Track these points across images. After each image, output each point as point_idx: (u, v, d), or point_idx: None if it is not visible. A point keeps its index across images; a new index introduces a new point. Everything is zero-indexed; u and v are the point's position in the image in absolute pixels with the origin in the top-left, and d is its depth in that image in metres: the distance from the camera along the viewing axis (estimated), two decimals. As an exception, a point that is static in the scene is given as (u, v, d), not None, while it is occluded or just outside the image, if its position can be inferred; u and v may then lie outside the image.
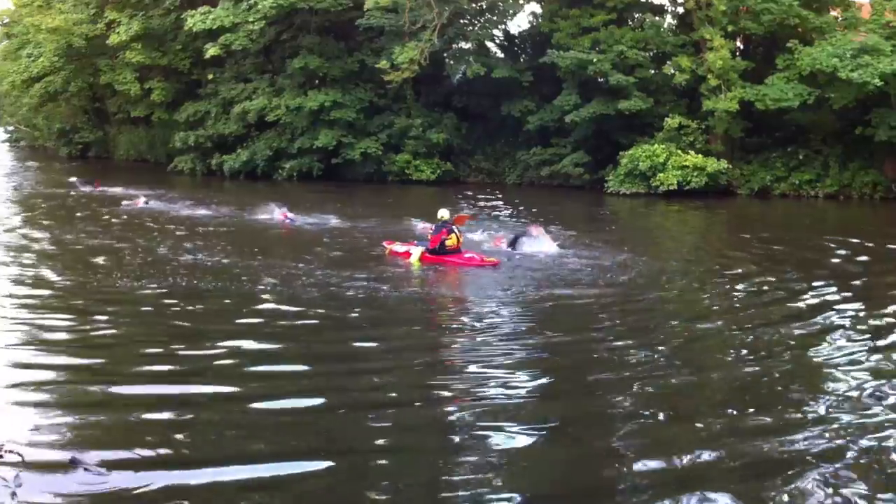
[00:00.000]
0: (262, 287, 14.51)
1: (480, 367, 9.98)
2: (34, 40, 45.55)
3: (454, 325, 12.65)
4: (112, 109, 51.91)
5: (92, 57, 45.31)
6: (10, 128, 72.14)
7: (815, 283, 15.01)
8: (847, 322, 12.18)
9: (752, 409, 8.48)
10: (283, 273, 15.65)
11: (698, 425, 8.08)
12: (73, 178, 35.43)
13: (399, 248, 18.03)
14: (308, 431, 7.90)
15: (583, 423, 8.26)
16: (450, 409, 8.66)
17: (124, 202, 28.01)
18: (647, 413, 8.33)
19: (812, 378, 9.60)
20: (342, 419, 8.25)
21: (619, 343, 11.07)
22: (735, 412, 8.47)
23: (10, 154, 63.27)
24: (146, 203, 27.89)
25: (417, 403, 8.83)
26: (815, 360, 10.32)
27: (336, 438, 7.73)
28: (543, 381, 9.53)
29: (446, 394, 9.16)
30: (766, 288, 14.92)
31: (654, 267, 17.10)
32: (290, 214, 24.40)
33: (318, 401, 8.62)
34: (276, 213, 24.79)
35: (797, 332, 11.68)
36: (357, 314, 12.79)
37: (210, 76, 41.62)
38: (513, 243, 18.35)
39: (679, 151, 31.89)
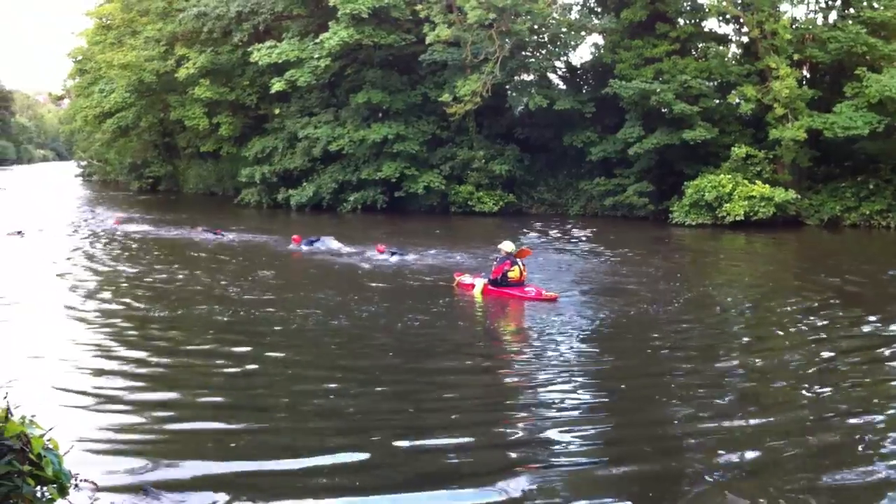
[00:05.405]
0: (330, 316, 14.68)
1: (537, 407, 10.00)
2: (106, 76, 47.00)
3: (508, 365, 12.51)
4: (181, 144, 53.23)
5: (162, 93, 46.60)
6: (83, 162, 74.30)
7: (888, 318, 14.62)
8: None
9: (817, 450, 8.28)
10: (352, 304, 15.85)
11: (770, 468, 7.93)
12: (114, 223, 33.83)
13: (466, 279, 18.12)
14: (370, 466, 7.94)
15: (648, 475, 8.02)
16: (509, 445, 8.63)
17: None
18: (719, 464, 8.06)
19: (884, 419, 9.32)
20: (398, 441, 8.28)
21: (684, 380, 10.93)
22: (803, 450, 8.28)
23: (82, 187, 65.05)
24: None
25: (475, 439, 8.82)
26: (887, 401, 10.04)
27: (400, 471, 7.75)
28: (604, 426, 9.33)
29: (503, 432, 9.13)
30: (838, 323, 14.55)
31: (719, 300, 16.83)
32: (211, 233, 28.19)
33: (378, 429, 8.70)
34: (200, 232, 28.58)
35: (870, 371, 11.39)
36: (415, 348, 12.85)
37: (276, 111, 42.41)
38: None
39: (745, 181, 31.47)
